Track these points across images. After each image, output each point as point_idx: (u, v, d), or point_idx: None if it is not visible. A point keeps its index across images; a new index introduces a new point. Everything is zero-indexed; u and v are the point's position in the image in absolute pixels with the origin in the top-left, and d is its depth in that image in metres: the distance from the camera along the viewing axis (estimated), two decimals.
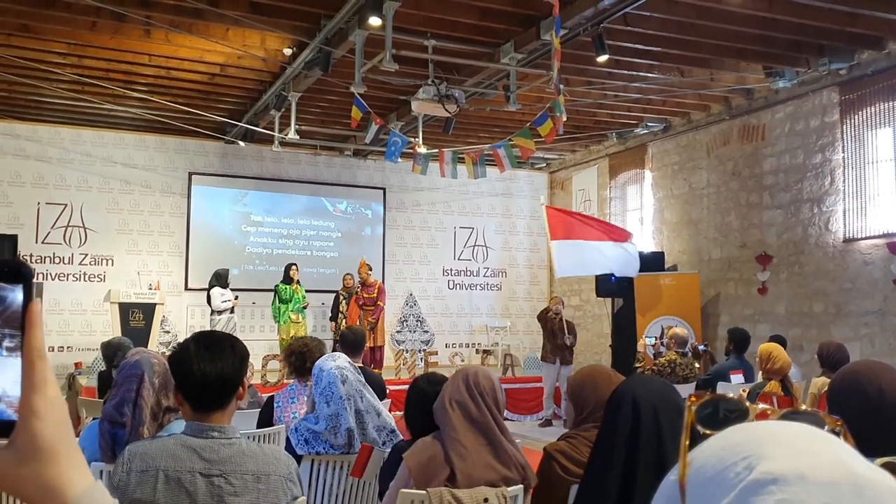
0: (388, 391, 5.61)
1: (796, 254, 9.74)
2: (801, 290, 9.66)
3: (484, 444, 2.82)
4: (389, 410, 4.59)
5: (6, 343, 0.70)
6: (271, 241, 13.30)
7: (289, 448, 3.56)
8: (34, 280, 0.72)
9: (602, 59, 7.96)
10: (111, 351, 6.13)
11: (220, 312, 11.00)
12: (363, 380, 3.76)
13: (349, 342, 5.22)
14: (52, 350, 11.63)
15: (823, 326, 9.24)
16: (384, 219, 14.01)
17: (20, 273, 0.70)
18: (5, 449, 0.69)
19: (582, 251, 10.02)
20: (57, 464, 0.69)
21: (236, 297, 11.12)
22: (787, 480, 0.57)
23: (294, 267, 11.48)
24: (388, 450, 3.46)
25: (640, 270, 11.12)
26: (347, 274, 11.89)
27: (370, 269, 11.70)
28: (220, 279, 11.19)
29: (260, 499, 2.28)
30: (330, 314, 11.96)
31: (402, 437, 3.62)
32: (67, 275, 11.96)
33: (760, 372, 6.29)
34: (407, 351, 12.25)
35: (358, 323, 11.09)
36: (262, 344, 11.67)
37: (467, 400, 2.86)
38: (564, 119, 7.92)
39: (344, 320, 11.40)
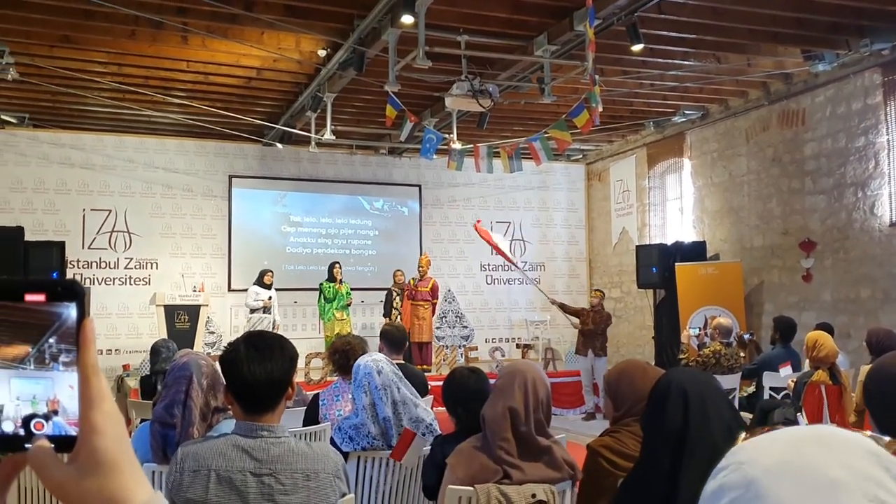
0: (430, 387, 5.63)
1: (841, 239, 9.57)
2: (846, 276, 9.49)
3: (533, 450, 2.80)
4: (432, 407, 4.62)
5: (62, 358, 0.72)
6: (311, 240, 13.42)
7: (333, 447, 3.60)
8: (86, 297, 0.74)
9: (637, 48, 7.89)
10: (153, 354, 6.23)
11: (253, 311, 11.16)
12: (400, 373, 3.79)
13: (391, 339, 5.24)
14: (101, 353, 11.87)
15: (871, 313, 9.07)
16: (420, 216, 14.05)
17: (74, 291, 0.73)
18: (68, 464, 0.71)
19: None
20: (118, 477, 0.71)
21: (269, 297, 11.22)
22: (742, 460, 0.68)
23: (337, 266, 11.56)
24: (428, 441, 3.49)
25: (682, 260, 11.04)
26: (398, 270, 11.96)
27: (430, 264, 11.79)
28: (258, 278, 11.37)
29: (310, 497, 2.31)
30: (383, 311, 12.05)
31: (439, 432, 3.64)
32: (113, 279, 12.19)
33: (807, 360, 6.21)
34: (447, 347, 12.28)
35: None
36: (304, 342, 11.75)
37: (521, 410, 2.78)
38: (600, 110, 7.87)
39: (399, 316, 11.49)
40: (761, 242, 10.85)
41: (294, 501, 2.29)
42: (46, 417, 0.73)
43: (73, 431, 0.72)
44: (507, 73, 9.12)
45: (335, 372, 4.89)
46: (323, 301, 11.43)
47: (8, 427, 0.72)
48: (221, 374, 2.59)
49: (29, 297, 0.72)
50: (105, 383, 0.73)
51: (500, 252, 11.47)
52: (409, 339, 10.89)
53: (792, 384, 6.23)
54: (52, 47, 8.71)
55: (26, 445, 0.72)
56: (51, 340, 0.72)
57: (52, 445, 0.72)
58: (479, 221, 12.30)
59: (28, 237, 9.14)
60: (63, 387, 0.72)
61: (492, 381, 3.19)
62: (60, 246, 9.53)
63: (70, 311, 0.72)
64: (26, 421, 0.72)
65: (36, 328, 0.72)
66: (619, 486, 2.30)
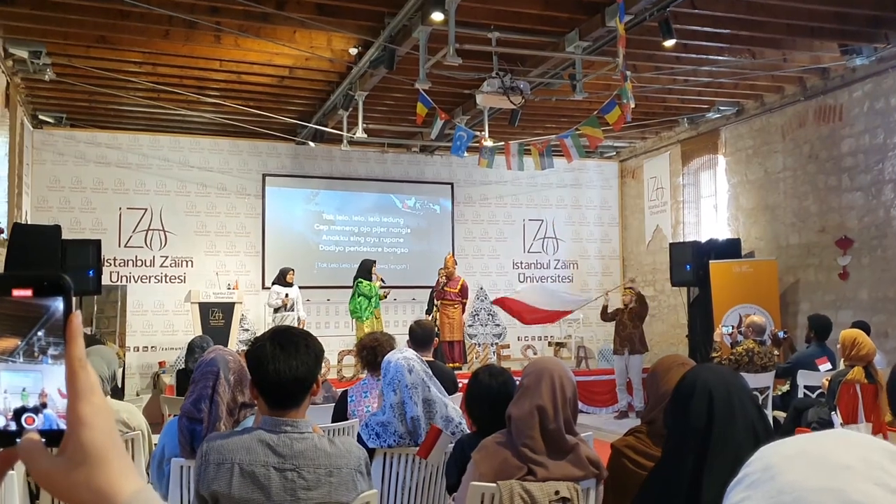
0: (460, 385, 5.63)
1: (879, 237, 9.39)
2: (884, 275, 9.31)
3: (557, 450, 2.78)
4: (460, 405, 4.61)
5: (51, 351, 0.73)
6: (343, 238, 13.48)
7: (360, 443, 3.62)
8: (72, 292, 0.75)
9: (669, 43, 7.81)
10: (189, 350, 6.34)
11: (276, 310, 11.23)
12: (430, 372, 3.79)
13: (415, 337, 5.25)
14: (137, 350, 12.05)
15: None
16: (452, 214, 14.05)
17: (60, 286, 0.74)
18: (57, 457, 0.72)
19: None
20: (107, 469, 0.72)
21: (286, 295, 11.27)
22: (765, 453, 0.74)
23: (374, 264, 11.55)
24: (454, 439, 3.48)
25: (717, 258, 10.89)
26: (441, 269, 11.96)
27: (456, 264, 11.77)
28: (279, 276, 11.43)
29: (332, 492, 2.33)
30: (427, 307, 12.07)
31: (467, 431, 3.64)
32: (149, 277, 12.36)
33: (843, 359, 6.11)
34: (479, 345, 12.27)
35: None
36: (337, 340, 11.84)
37: (549, 408, 2.75)
38: (633, 106, 7.80)
39: (437, 314, 11.50)
40: (797, 240, 10.69)
41: (316, 497, 2.30)
42: (36, 410, 0.73)
43: (63, 425, 0.73)
44: (539, 69, 9.08)
45: (364, 369, 4.91)
46: (360, 298, 11.38)
47: (0, 422, 0.73)
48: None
49: (16, 293, 0.73)
50: (94, 376, 0.73)
51: (538, 315, 11.45)
52: (441, 337, 10.89)
53: (826, 383, 6.13)
54: (89, 48, 8.85)
55: (18, 440, 0.73)
56: (39, 334, 0.73)
57: (43, 439, 0.73)
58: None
59: (65, 235, 9.26)
60: (52, 380, 0.73)
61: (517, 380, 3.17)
62: (97, 244, 9.64)
63: (58, 305, 0.73)
64: (17, 415, 0.73)
65: (24, 321, 0.73)
66: (643, 483, 2.28)
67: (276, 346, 2.38)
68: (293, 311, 11.26)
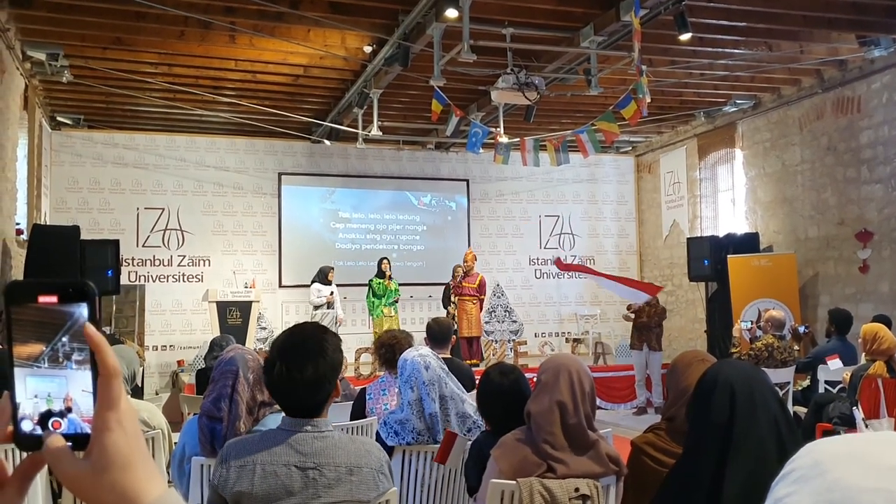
0: (477, 382, 5.62)
1: None
2: None
3: (579, 445, 2.77)
4: None
5: (75, 357, 0.74)
6: (359, 236, 13.51)
7: (379, 441, 3.62)
8: (97, 298, 0.75)
9: (685, 37, 7.75)
10: (209, 349, 6.36)
11: (316, 308, 11.29)
12: (446, 368, 3.79)
13: (433, 335, 5.24)
14: (156, 349, 12.13)
15: None
16: (468, 210, 14.04)
17: (84, 292, 0.74)
18: (82, 461, 0.74)
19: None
20: (132, 473, 0.73)
21: (331, 293, 11.36)
22: (812, 448, 0.74)
23: (386, 261, 11.60)
24: (471, 439, 3.48)
25: (735, 252, 10.83)
26: (458, 265, 11.98)
27: (475, 259, 11.77)
28: (320, 275, 11.48)
29: (353, 491, 2.32)
30: (443, 303, 12.10)
31: (483, 427, 3.63)
32: (167, 276, 12.43)
33: (864, 353, 6.06)
34: (496, 341, 12.25)
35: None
36: (354, 337, 11.86)
37: (569, 403, 2.74)
38: (648, 100, 7.76)
39: (455, 310, 11.52)
40: (816, 233, 10.60)
41: (338, 495, 2.30)
42: (62, 415, 0.74)
43: (87, 429, 0.74)
44: (554, 65, 9.05)
45: (382, 366, 4.91)
46: (372, 297, 11.48)
47: (27, 426, 0.74)
48: None
49: (42, 299, 0.74)
50: (121, 383, 0.74)
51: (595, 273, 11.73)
52: (458, 334, 10.89)
53: (847, 377, 6.08)
54: (105, 49, 8.90)
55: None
56: (63, 339, 0.74)
57: (69, 443, 0.74)
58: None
59: (84, 236, 9.32)
60: (76, 384, 0.74)
61: (530, 377, 3.16)
62: (115, 244, 9.71)
63: (82, 311, 0.74)
64: (43, 419, 0.74)
65: (49, 327, 0.74)
66: (665, 478, 2.27)
67: (284, 366, 2.33)
68: (332, 308, 11.35)
